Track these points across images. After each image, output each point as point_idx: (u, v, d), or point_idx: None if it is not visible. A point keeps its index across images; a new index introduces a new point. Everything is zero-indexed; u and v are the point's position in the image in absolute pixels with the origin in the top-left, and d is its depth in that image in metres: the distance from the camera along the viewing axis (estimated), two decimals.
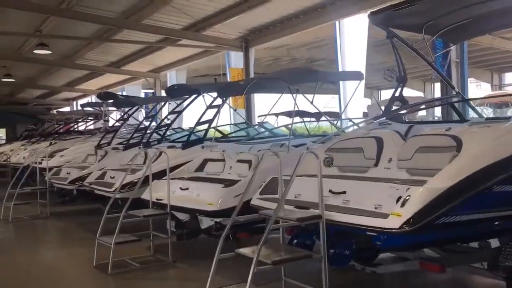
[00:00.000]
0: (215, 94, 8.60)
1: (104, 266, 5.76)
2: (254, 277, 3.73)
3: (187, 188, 6.42)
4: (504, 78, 30.44)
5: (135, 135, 10.35)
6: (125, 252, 6.05)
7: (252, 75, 14.36)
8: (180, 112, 10.29)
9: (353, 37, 13.22)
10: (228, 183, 6.07)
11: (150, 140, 9.33)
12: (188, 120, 15.25)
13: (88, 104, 16.96)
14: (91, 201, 9.69)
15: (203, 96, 8.90)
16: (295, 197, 4.78)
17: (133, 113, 12.49)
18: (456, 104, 6.42)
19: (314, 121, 10.11)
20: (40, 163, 11.06)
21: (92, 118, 17.25)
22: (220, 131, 10.00)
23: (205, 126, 8.45)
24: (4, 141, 28.64)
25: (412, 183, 3.89)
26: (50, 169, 10.52)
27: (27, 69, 22.93)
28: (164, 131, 9.87)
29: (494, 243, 4.28)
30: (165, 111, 12.47)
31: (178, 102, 10.77)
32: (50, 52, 16.17)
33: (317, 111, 8.62)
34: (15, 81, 23.76)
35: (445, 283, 5.08)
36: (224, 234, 4.24)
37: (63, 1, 12.70)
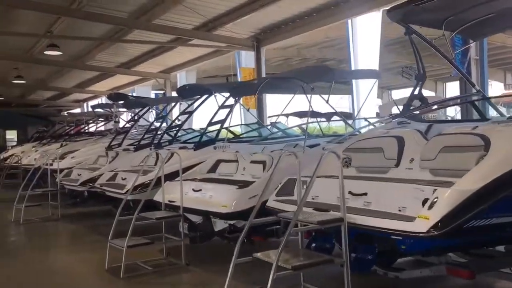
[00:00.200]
0: (226, 94, 8.49)
1: (116, 269, 5.63)
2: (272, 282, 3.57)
3: (200, 190, 6.28)
4: None
5: (145, 136, 10.25)
6: (137, 255, 5.91)
7: (263, 75, 14.20)
8: (191, 113, 10.17)
9: (366, 35, 13.03)
10: (242, 184, 5.93)
11: (161, 141, 9.23)
12: (198, 120, 15.16)
13: (99, 106, 16.94)
14: (102, 203, 9.58)
15: (215, 96, 8.77)
16: (313, 198, 4.62)
17: (143, 114, 12.42)
18: (476, 103, 6.23)
19: (330, 121, 9.92)
20: (51, 164, 11.00)
21: (102, 119, 17.25)
22: (231, 132, 9.86)
23: (217, 126, 8.34)
24: (15, 143, 28.81)
25: (438, 184, 3.71)
26: (61, 170, 10.45)
27: (38, 70, 22.98)
28: (175, 131, 9.78)
29: None
30: (175, 111, 12.38)
31: (189, 102, 10.66)
32: (61, 53, 16.15)
33: (334, 111, 8.43)
34: (26, 82, 23.82)
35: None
36: (241, 237, 4.08)
37: (73, 2, 12.64)
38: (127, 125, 13.01)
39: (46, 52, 16.09)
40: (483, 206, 3.42)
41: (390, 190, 4.05)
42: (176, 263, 6.00)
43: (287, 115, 11.15)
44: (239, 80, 15.84)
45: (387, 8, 5.91)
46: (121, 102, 13.48)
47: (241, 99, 10.04)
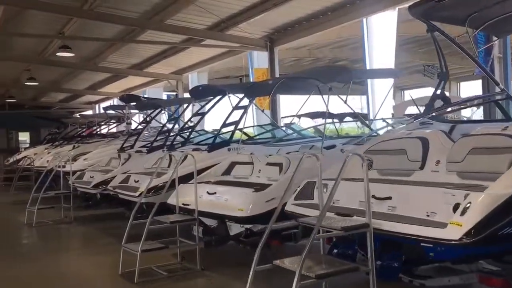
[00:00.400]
0: (240, 95, 8.34)
1: (130, 274, 5.50)
2: None
3: (215, 193, 6.13)
4: None
5: (158, 138, 10.14)
6: (151, 259, 5.78)
7: (277, 76, 14.03)
8: (204, 114, 10.04)
9: (381, 34, 12.81)
10: (259, 187, 5.77)
11: (174, 142, 9.11)
12: (210, 122, 15.04)
13: (111, 107, 16.88)
14: (114, 205, 9.49)
15: (229, 97, 8.62)
16: (333, 203, 4.41)
17: (156, 115, 12.32)
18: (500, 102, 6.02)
19: (347, 122, 9.72)
20: (64, 166, 10.94)
21: (114, 121, 17.21)
22: (245, 133, 9.70)
23: (230, 128, 8.18)
24: (28, 145, 28.95)
25: (469, 188, 3.51)
26: (74, 172, 10.38)
27: (50, 72, 23.04)
28: (188, 133, 9.66)
29: None
30: (187, 113, 12.26)
31: (202, 103, 10.54)
32: (73, 54, 16.11)
33: (352, 111, 8.23)
34: (38, 84, 23.90)
35: None
36: (261, 243, 3.90)
37: (85, 2, 12.59)
38: (139, 126, 12.91)
39: (58, 54, 16.05)
40: None
41: (417, 194, 3.86)
42: (191, 267, 5.85)
43: (299, 116, 10.97)
44: (251, 80, 15.68)
45: (408, 5, 5.72)
46: (133, 103, 13.40)
47: (255, 100, 9.88)
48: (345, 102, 7.40)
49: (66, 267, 6.72)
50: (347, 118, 10.48)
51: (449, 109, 6.03)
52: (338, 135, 9.27)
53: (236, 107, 8.08)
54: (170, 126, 11.38)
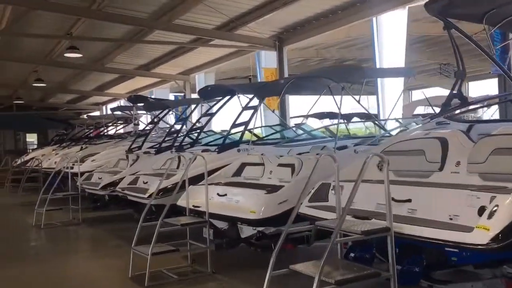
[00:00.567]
0: (249, 95, 8.23)
1: (140, 277, 5.40)
2: None
3: (225, 194, 6.01)
4: None
5: (166, 138, 10.04)
6: (161, 262, 5.68)
7: (286, 75, 13.90)
8: (213, 114, 9.92)
9: (391, 34, 12.65)
10: (270, 189, 5.64)
11: (183, 143, 9.02)
12: (217, 122, 14.92)
13: (118, 108, 16.84)
14: (123, 207, 9.42)
15: (239, 97, 8.51)
16: None
17: (164, 116, 12.23)
18: None
19: (361, 121, 9.59)
20: (72, 168, 10.88)
21: (122, 122, 17.15)
22: (254, 134, 9.58)
23: (239, 128, 8.07)
24: (35, 146, 29.00)
25: (494, 190, 3.37)
26: (82, 174, 10.32)
27: (58, 74, 23.07)
28: (197, 134, 9.56)
29: None
30: (195, 114, 12.16)
31: (210, 104, 10.43)
32: (81, 55, 16.08)
33: (366, 111, 8.10)
34: (46, 86, 23.92)
35: None
36: (278, 247, 3.77)
37: (93, 3, 12.53)
38: (147, 127, 12.82)
39: (66, 55, 16.03)
40: None
41: (438, 196, 3.73)
42: (202, 271, 5.75)
43: (306, 117, 10.86)
44: (259, 81, 15.56)
45: (417, 4, 5.60)
46: (141, 104, 13.32)
47: (264, 100, 9.76)
48: (359, 101, 7.25)
49: (75, 269, 6.63)
50: (355, 119, 10.36)
51: (466, 108, 5.87)
52: (349, 136, 9.11)
53: (246, 107, 7.97)
54: (177, 127, 11.32)
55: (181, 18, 13.32)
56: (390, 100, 12.78)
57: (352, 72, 7.21)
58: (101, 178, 9.51)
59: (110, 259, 6.88)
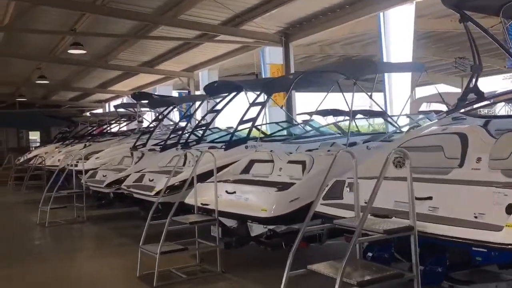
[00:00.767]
0: (255, 92, 8.07)
1: (148, 277, 5.28)
2: None
3: (234, 192, 5.88)
4: None
5: (171, 136, 9.91)
6: (168, 261, 5.54)
7: (292, 72, 13.73)
8: (219, 111, 9.77)
9: (398, 29, 12.49)
10: (281, 186, 5.51)
11: (188, 140, 8.89)
12: (221, 119, 14.76)
13: (122, 105, 16.72)
14: (128, 205, 9.30)
15: (246, 93, 8.36)
16: (365, 202, 4.17)
17: (168, 113, 12.09)
18: None
19: (371, 117, 9.44)
20: (76, 165, 10.76)
21: (125, 119, 17.02)
22: (260, 130, 9.43)
23: (246, 125, 7.92)
24: (38, 144, 28.91)
25: None
26: (86, 171, 10.20)
27: (61, 71, 22.95)
28: (203, 131, 9.42)
29: None
30: (200, 111, 12.00)
31: (216, 100, 10.28)
32: (85, 51, 15.94)
33: (378, 107, 7.95)
34: (49, 83, 23.80)
35: None
36: (296, 246, 3.63)
37: None
38: (152, 124, 12.69)
39: (69, 51, 15.89)
40: None
41: (461, 193, 3.59)
42: (211, 270, 5.62)
43: (310, 114, 10.71)
44: (264, 77, 15.39)
45: None
46: (146, 101, 13.18)
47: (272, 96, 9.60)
48: (370, 97, 7.10)
49: (81, 269, 6.51)
50: (358, 116, 10.20)
51: (485, 103, 5.71)
52: (358, 132, 8.96)
53: (254, 104, 7.82)
54: (182, 124, 11.18)
55: (187, 14, 13.14)
56: (397, 97, 12.65)
57: (364, 67, 7.04)
58: (105, 175, 9.39)
59: (116, 258, 6.77)
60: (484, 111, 7.97)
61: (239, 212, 5.60)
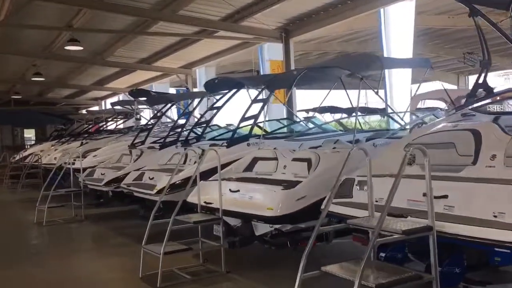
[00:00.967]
0: (257, 88, 7.96)
1: (151, 278, 5.15)
2: None
3: (238, 190, 5.75)
4: None
5: (170, 133, 9.76)
6: (171, 261, 5.41)
7: (292, 68, 13.60)
8: (219, 108, 9.64)
9: (398, 26, 12.40)
10: (287, 184, 5.38)
11: (188, 138, 8.75)
12: (220, 117, 14.60)
13: (119, 102, 16.51)
14: (127, 203, 9.15)
15: (247, 90, 8.24)
16: (377, 201, 4.06)
17: (167, 110, 11.94)
18: None
19: (377, 114, 9.35)
20: (73, 163, 10.59)
21: (122, 117, 16.85)
22: (261, 128, 9.31)
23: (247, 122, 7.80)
24: (33, 142, 28.65)
25: None
26: (84, 169, 10.04)
27: (57, 68, 22.71)
28: (203, 128, 9.29)
29: None
30: (198, 108, 11.86)
31: (216, 97, 10.15)
32: (81, 48, 15.73)
33: (384, 104, 7.85)
34: (44, 80, 23.55)
35: None
36: (309, 246, 3.50)
37: None
38: (150, 122, 12.53)
39: (66, 47, 15.67)
40: None
41: (477, 191, 3.48)
42: (215, 270, 5.50)
43: (307, 111, 10.61)
44: (262, 74, 15.24)
45: None
46: (143, 98, 13.02)
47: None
48: (377, 93, 6.99)
49: (81, 269, 6.37)
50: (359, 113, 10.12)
51: (496, 99, 5.61)
52: (362, 129, 8.85)
53: (255, 100, 7.70)
54: (180, 121, 11.03)
55: (186, 9, 12.98)
56: (397, 93, 12.56)
57: (368, 62, 6.91)
58: (104, 173, 9.23)
59: (117, 258, 6.63)
60: (492, 108, 7.87)
61: (243, 211, 5.47)
